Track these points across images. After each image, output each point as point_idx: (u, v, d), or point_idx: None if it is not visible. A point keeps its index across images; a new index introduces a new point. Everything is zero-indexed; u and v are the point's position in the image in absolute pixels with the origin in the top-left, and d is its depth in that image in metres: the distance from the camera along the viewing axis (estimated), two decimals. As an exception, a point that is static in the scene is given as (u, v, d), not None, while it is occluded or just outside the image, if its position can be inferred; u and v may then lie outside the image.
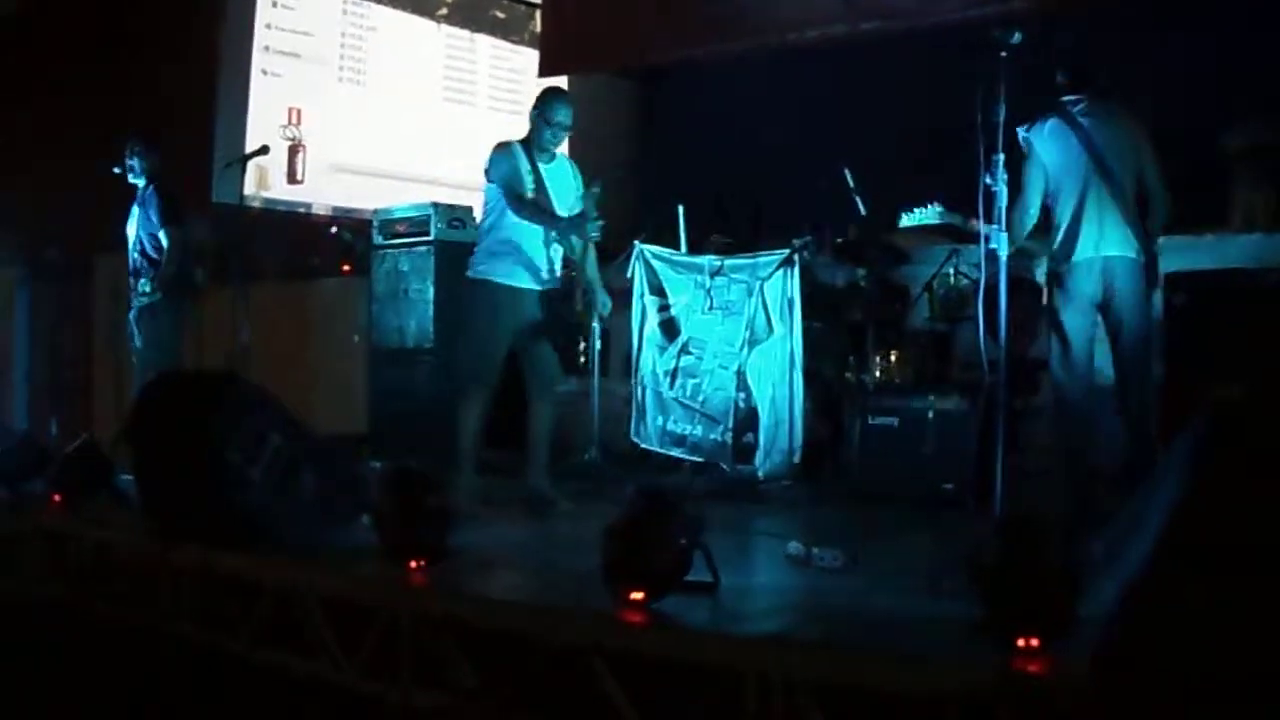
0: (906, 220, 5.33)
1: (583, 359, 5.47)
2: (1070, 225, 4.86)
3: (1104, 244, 4.84)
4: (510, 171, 5.37)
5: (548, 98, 5.51)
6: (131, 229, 6.90)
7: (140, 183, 6.88)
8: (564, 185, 5.50)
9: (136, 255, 6.86)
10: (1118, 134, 4.90)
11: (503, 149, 5.45)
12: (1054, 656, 2.56)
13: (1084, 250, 4.85)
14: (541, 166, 5.41)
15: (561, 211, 5.43)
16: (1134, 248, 4.86)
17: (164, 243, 6.75)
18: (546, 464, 5.56)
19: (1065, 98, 4.96)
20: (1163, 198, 4.94)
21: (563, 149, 5.68)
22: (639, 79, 11.02)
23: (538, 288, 5.43)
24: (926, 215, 5.24)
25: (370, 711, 3.57)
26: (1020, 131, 4.92)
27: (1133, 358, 4.88)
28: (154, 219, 6.78)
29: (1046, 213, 5.00)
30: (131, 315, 6.90)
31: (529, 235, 5.39)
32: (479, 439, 5.48)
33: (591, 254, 5.58)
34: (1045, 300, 5.07)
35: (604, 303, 5.68)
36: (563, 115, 5.40)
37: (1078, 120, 4.89)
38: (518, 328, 5.39)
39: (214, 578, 4.25)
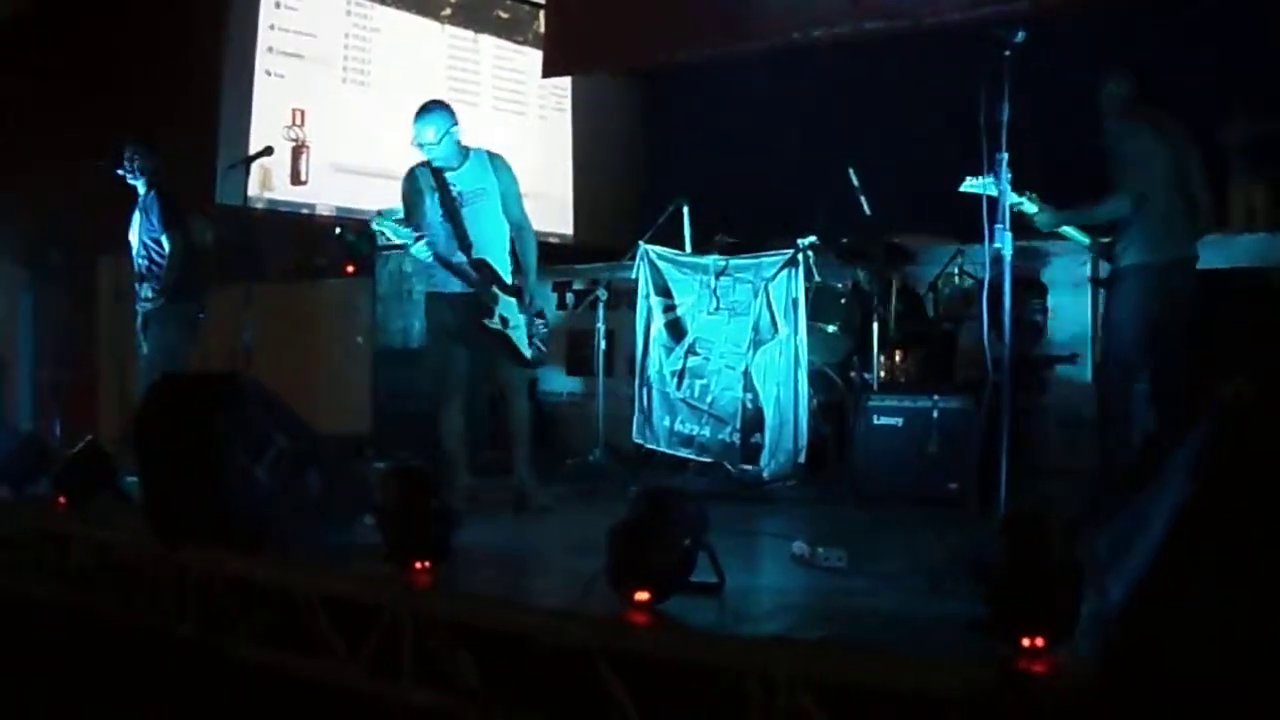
0: (970, 184, 5.22)
1: (528, 353, 5.49)
2: (1157, 227, 5.00)
3: (1185, 247, 5.06)
4: (408, 194, 5.49)
5: (412, 119, 5.50)
6: (133, 235, 6.82)
7: (139, 185, 6.78)
8: (478, 183, 5.52)
9: (142, 261, 6.78)
10: (1186, 144, 5.12)
11: (405, 175, 5.57)
12: (1059, 656, 2.55)
13: (1168, 251, 5.01)
14: (450, 175, 5.46)
15: (484, 204, 5.47)
16: (1194, 252, 5.09)
17: (166, 247, 6.71)
18: (528, 458, 5.62)
19: (1138, 108, 5.12)
20: (1208, 206, 5.20)
21: (483, 144, 5.70)
22: (643, 78, 11.01)
23: (466, 291, 5.45)
24: (988, 184, 5.15)
25: (372, 712, 3.57)
26: (1113, 127, 5.07)
27: (1176, 354, 5.06)
28: (155, 223, 6.71)
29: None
30: (138, 322, 6.86)
31: (444, 246, 5.43)
32: (464, 440, 5.55)
33: (527, 259, 5.58)
34: (1110, 293, 5.19)
35: (536, 306, 5.64)
36: (416, 133, 5.43)
37: (1170, 127, 5.08)
38: (460, 330, 5.47)
39: (217, 578, 4.25)
